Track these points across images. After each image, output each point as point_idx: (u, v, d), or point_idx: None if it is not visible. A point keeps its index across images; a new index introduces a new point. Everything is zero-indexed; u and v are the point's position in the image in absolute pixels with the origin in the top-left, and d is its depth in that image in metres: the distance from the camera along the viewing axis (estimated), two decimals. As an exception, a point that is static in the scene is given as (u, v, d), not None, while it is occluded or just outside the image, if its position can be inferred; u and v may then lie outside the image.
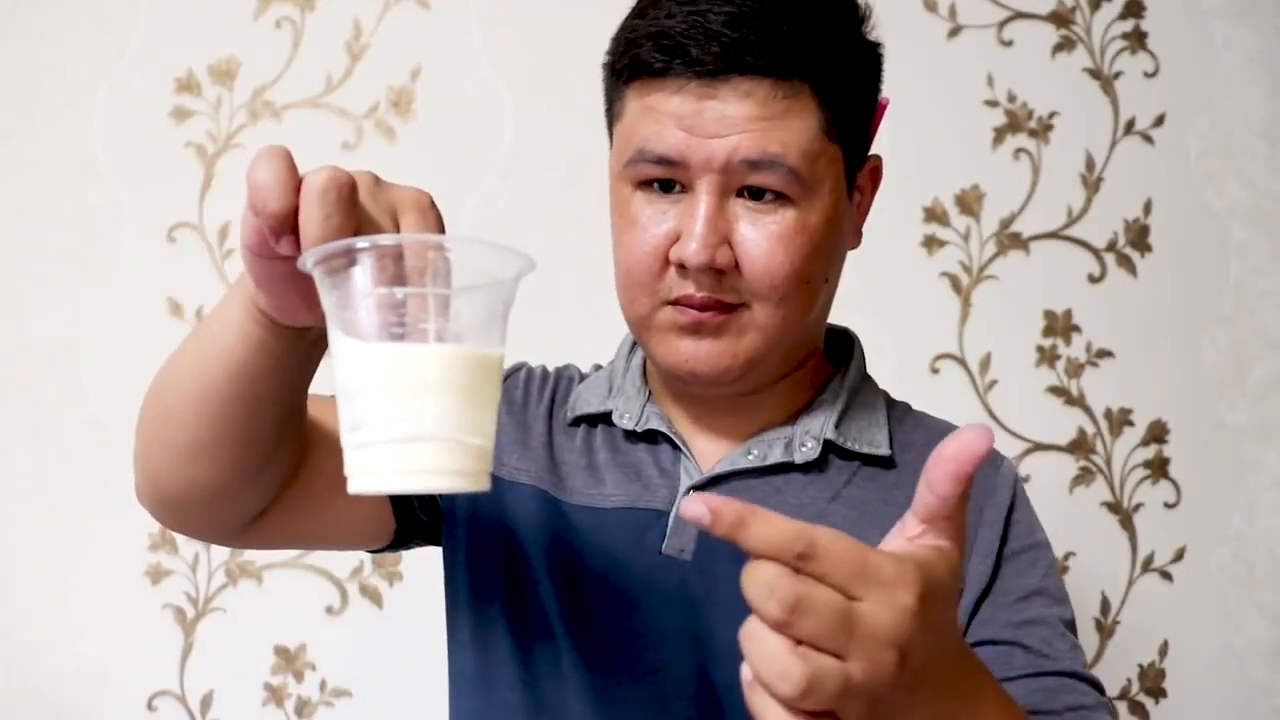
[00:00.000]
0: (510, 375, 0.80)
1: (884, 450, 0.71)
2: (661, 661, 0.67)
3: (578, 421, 0.75)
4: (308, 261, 0.42)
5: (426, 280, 0.42)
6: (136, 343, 1.22)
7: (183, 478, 0.58)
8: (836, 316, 0.75)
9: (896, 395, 0.79)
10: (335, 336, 0.43)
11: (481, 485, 0.42)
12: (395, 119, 1.25)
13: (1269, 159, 1.26)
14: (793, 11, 0.61)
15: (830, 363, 0.77)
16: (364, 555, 1.22)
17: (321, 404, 0.67)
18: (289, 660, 1.22)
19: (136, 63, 1.26)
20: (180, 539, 1.22)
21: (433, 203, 0.48)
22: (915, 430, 0.74)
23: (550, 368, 0.82)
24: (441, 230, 0.48)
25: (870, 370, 0.78)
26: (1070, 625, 0.69)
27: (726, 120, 0.61)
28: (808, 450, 0.70)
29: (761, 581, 0.38)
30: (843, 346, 0.78)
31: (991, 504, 0.70)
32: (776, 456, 0.70)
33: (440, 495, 0.74)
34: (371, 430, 0.41)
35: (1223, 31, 1.27)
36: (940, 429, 0.76)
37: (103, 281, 1.25)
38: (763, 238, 0.63)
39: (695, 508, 0.39)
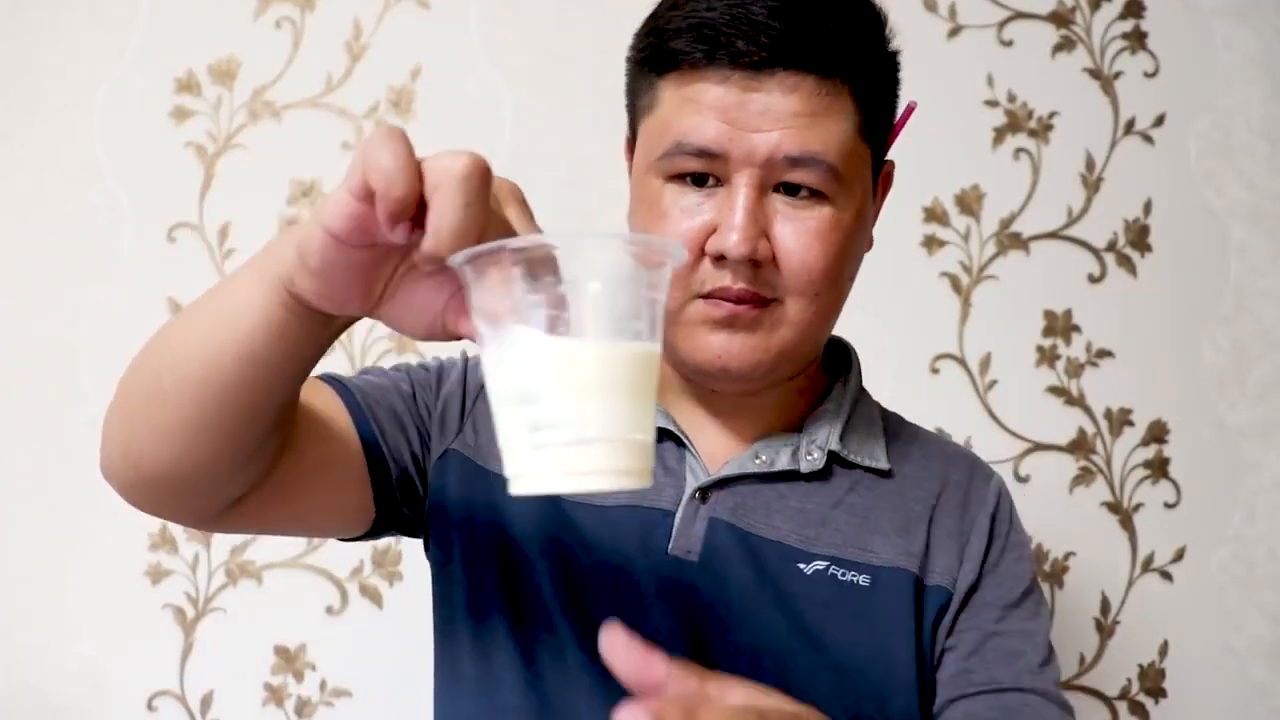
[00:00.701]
0: None
1: (883, 464, 0.72)
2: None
3: None
4: (459, 259, 0.40)
5: (586, 277, 0.41)
6: (136, 343, 1.21)
7: (170, 461, 0.55)
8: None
9: (896, 395, 0.79)
10: (503, 337, 0.41)
11: (646, 482, 0.42)
12: (395, 119, 1.25)
13: (1269, 159, 1.26)
14: (833, 9, 0.62)
15: (824, 370, 0.77)
16: (364, 555, 1.22)
17: (307, 388, 0.65)
18: (289, 660, 1.22)
19: (136, 63, 1.26)
20: (181, 539, 1.22)
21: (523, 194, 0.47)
22: (911, 444, 0.76)
23: None
24: (533, 220, 0.47)
25: (870, 370, 0.79)
26: (1045, 638, 0.70)
27: (771, 114, 0.61)
28: (814, 460, 0.70)
29: None
30: (837, 354, 0.79)
31: (983, 514, 0.72)
32: (783, 463, 0.70)
33: (430, 489, 0.73)
34: (551, 432, 0.40)
35: (1223, 31, 1.27)
36: (932, 442, 0.78)
37: (103, 281, 1.25)
38: (801, 233, 0.63)
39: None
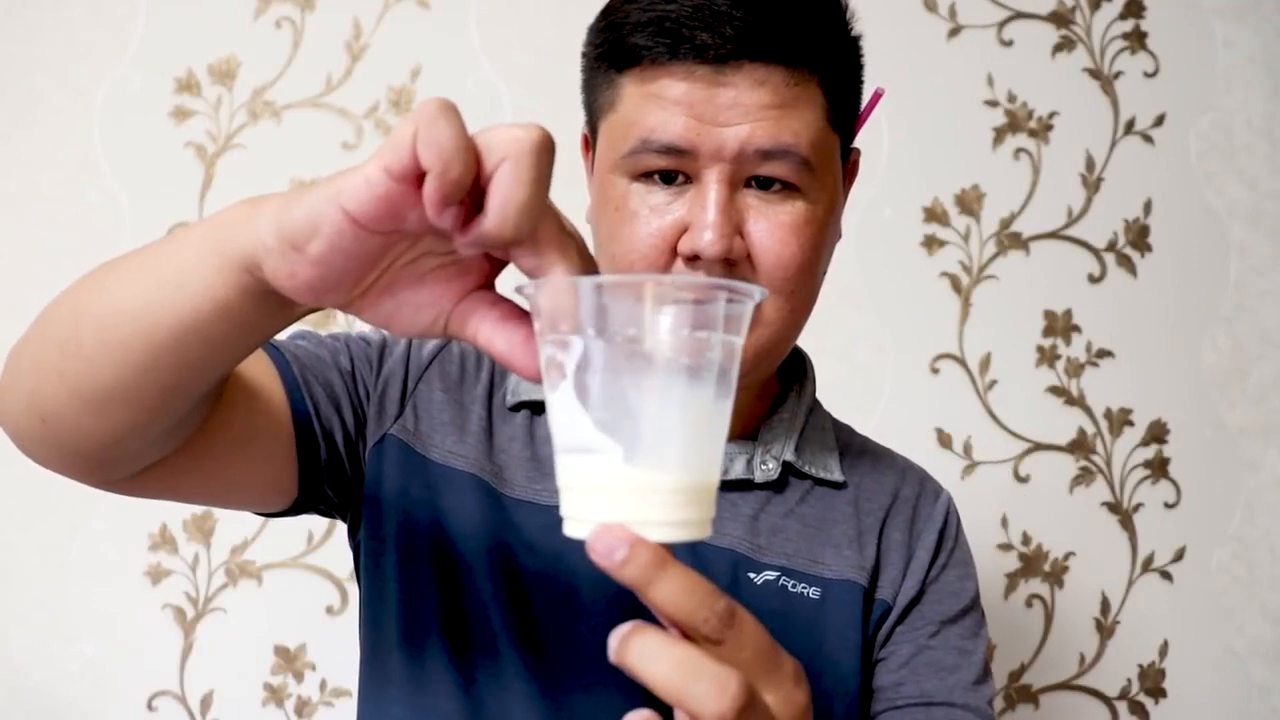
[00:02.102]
0: (442, 349, 0.73)
1: (837, 476, 0.72)
2: (610, 671, 0.65)
3: (519, 407, 0.71)
4: (528, 288, 0.38)
5: (664, 317, 0.38)
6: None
7: (77, 422, 0.49)
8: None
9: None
10: (572, 371, 0.38)
11: (705, 532, 0.40)
12: (395, 119, 1.25)
13: (1269, 159, 1.26)
14: None
15: (777, 377, 0.75)
16: (364, 555, 1.22)
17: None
18: (289, 660, 1.22)
19: (136, 63, 1.26)
20: (181, 539, 1.22)
21: None
22: (862, 456, 0.75)
23: None
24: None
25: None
26: (982, 657, 0.70)
27: (740, 108, 0.59)
28: (768, 470, 0.70)
29: (697, 598, 0.36)
30: (791, 361, 0.77)
31: (930, 530, 0.72)
32: (738, 472, 0.70)
33: (366, 476, 0.69)
34: (613, 476, 0.38)
35: (1223, 31, 1.27)
36: (883, 455, 0.77)
37: (103, 281, 1.25)
38: (775, 228, 0.61)
39: (609, 541, 0.36)
